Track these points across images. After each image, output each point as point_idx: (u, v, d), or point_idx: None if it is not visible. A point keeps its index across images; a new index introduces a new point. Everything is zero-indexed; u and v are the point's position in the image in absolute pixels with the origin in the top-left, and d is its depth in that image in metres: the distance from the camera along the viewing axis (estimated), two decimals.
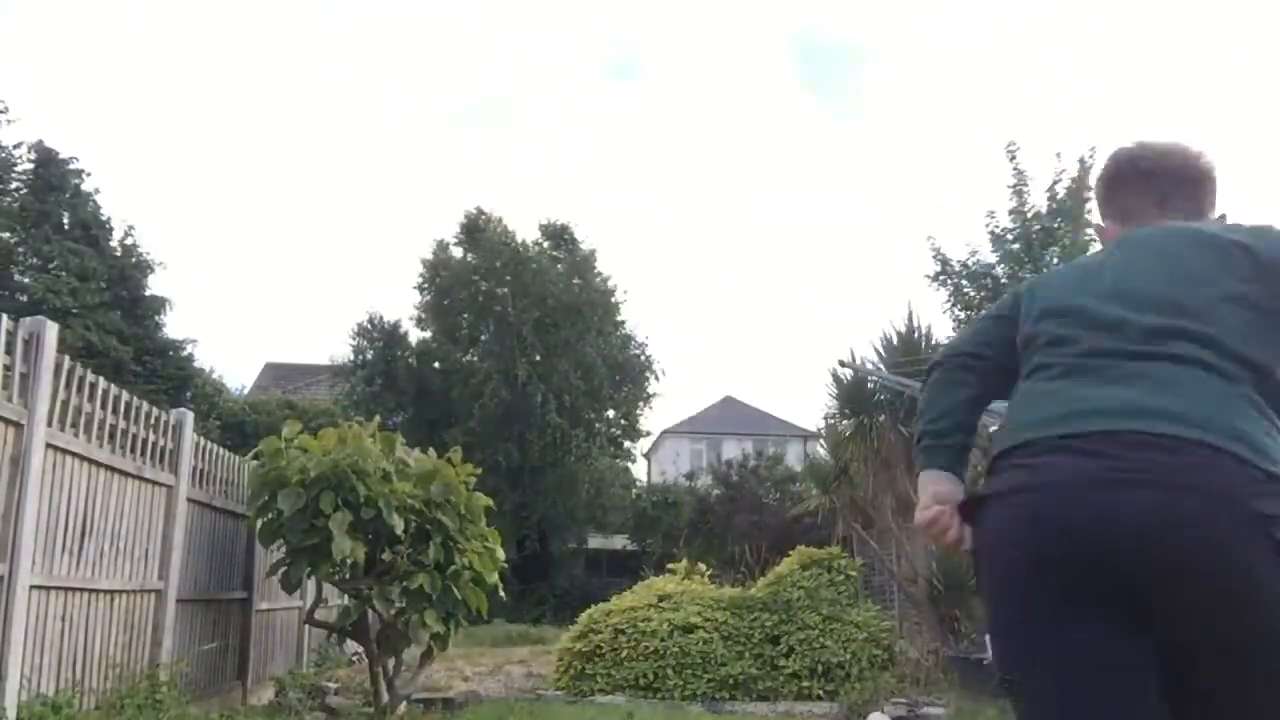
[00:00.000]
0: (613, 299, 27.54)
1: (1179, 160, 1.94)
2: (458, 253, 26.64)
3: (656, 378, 28.83)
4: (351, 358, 26.53)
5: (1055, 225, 17.77)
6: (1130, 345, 1.57)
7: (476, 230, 26.22)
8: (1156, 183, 1.92)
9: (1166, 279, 1.65)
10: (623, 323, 28.19)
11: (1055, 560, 1.44)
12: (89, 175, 24.00)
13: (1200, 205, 1.90)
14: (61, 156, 23.57)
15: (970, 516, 1.64)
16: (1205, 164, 1.94)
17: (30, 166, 23.43)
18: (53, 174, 23.30)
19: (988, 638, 1.73)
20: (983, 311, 2.00)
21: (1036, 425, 1.56)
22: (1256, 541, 1.34)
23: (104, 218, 24.18)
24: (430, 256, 26.45)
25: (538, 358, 24.76)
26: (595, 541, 27.40)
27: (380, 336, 26.54)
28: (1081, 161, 17.93)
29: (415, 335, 27.14)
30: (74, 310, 21.39)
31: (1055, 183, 17.98)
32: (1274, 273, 1.61)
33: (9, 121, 23.28)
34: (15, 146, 23.35)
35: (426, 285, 26.38)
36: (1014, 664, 1.53)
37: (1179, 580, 1.38)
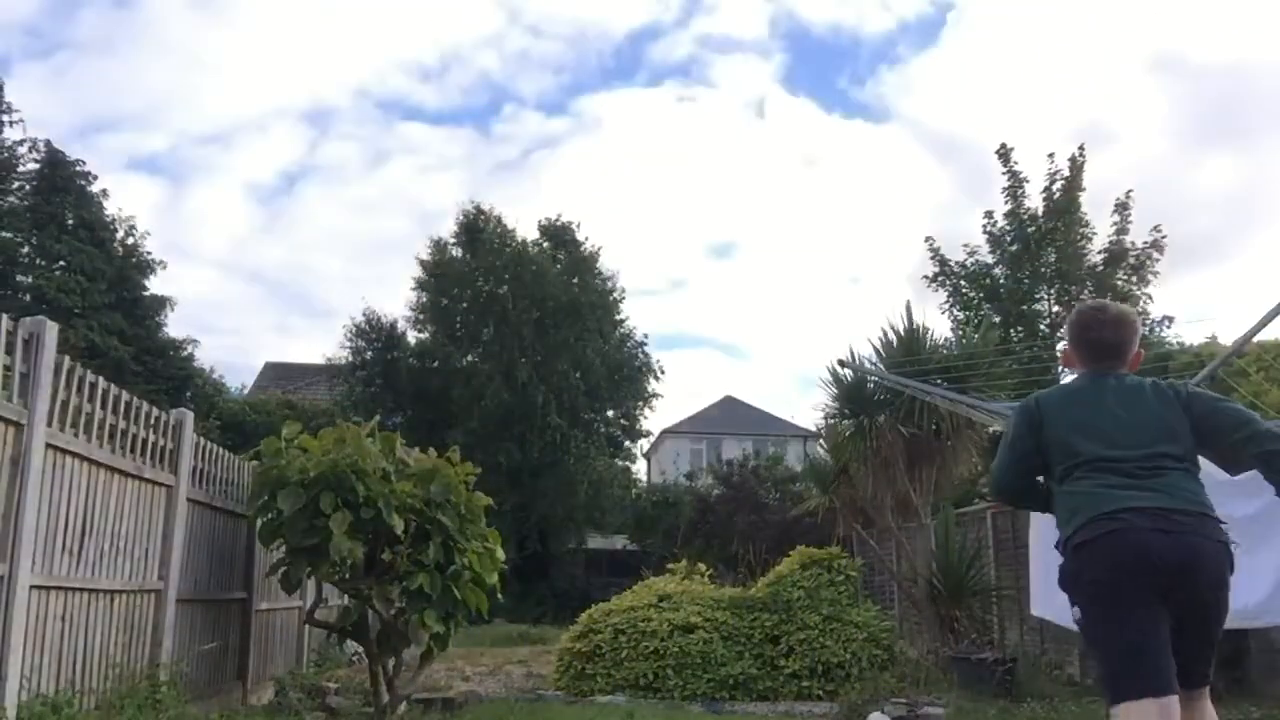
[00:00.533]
0: (612, 298, 27.53)
1: (1129, 320, 3.15)
2: (456, 253, 26.50)
3: (656, 377, 28.81)
4: (349, 358, 26.46)
5: (1052, 225, 17.78)
6: (1140, 466, 2.82)
7: (475, 230, 26.10)
8: (1114, 332, 3.09)
9: (1146, 421, 2.90)
10: (623, 322, 28.18)
11: (1138, 569, 2.69)
12: (95, 178, 24.12)
13: (1134, 348, 3.12)
14: (69, 158, 23.66)
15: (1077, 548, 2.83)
16: (1137, 322, 3.21)
17: (35, 167, 23.49)
18: (60, 175, 23.35)
19: (1076, 607, 2.87)
20: (1014, 436, 3.11)
21: (1110, 504, 2.77)
22: (1225, 558, 2.76)
23: (108, 218, 24.24)
24: (428, 257, 26.34)
25: (539, 358, 24.70)
26: (595, 542, 27.36)
27: (378, 337, 26.47)
28: (1072, 160, 17.95)
29: (413, 336, 27.07)
30: (77, 310, 21.42)
31: (1050, 183, 18.00)
32: (1189, 407, 2.93)
33: (12, 123, 23.35)
34: (19, 143, 23.42)
35: (426, 285, 26.27)
36: (1108, 621, 2.75)
37: (1198, 576, 2.71)
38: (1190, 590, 2.71)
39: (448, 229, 27.04)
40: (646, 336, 28.93)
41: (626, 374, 27.57)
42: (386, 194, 58.61)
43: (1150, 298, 17.79)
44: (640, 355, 28.48)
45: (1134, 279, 17.75)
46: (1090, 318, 3.15)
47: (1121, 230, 17.80)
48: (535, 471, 24.19)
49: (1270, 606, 5.80)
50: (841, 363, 10.39)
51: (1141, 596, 2.70)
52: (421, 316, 26.57)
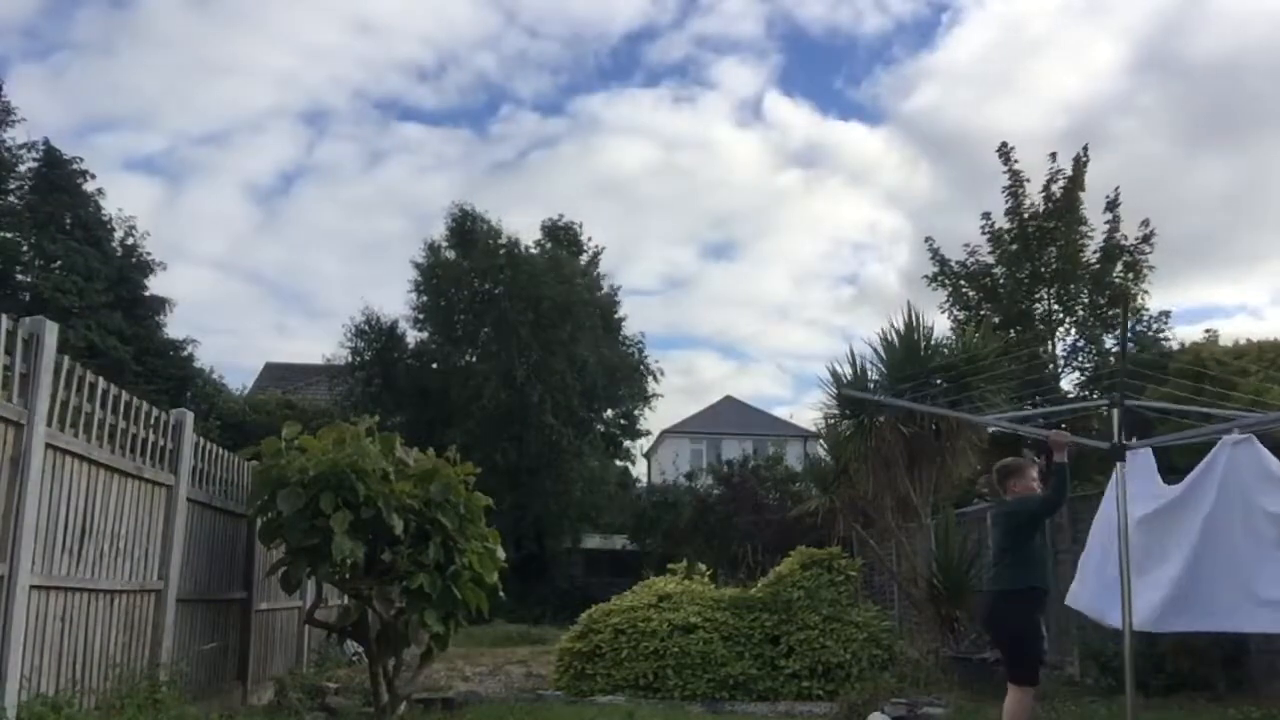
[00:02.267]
0: (609, 298, 27.55)
1: (1000, 469, 5.94)
2: (450, 255, 26.39)
3: (655, 379, 28.82)
4: (349, 358, 26.42)
5: (1052, 225, 17.78)
6: (996, 556, 6.08)
7: (464, 232, 25.99)
8: (1008, 476, 5.88)
9: (1000, 531, 6.09)
10: (621, 320, 28.23)
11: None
12: (93, 177, 24.07)
13: (1022, 478, 5.82)
14: (66, 157, 23.60)
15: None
16: (1020, 463, 5.91)
17: (33, 166, 23.43)
18: (57, 175, 23.29)
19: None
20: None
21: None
22: (1005, 613, 5.69)
23: (105, 218, 24.19)
24: (422, 260, 26.27)
25: (536, 358, 24.66)
26: (595, 542, 27.37)
27: (377, 337, 26.42)
28: (1076, 160, 17.95)
29: (413, 336, 27.01)
30: (76, 310, 21.37)
31: (1049, 181, 18.00)
32: (1006, 519, 5.95)
33: (13, 122, 23.30)
34: (20, 147, 23.36)
35: (422, 287, 26.23)
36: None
37: (991, 624, 6.11)
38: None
39: (440, 231, 26.96)
40: (643, 334, 29.00)
41: (623, 374, 27.55)
42: (384, 194, 58.67)
43: (1147, 292, 17.83)
44: (637, 354, 28.52)
45: (1130, 275, 17.78)
46: (1004, 462, 5.96)
47: (1115, 228, 17.84)
48: (532, 471, 24.18)
49: None
50: (845, 383, 10.36)
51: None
52: (421, 317, 26.56)
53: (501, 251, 25.49)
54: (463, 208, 26.28)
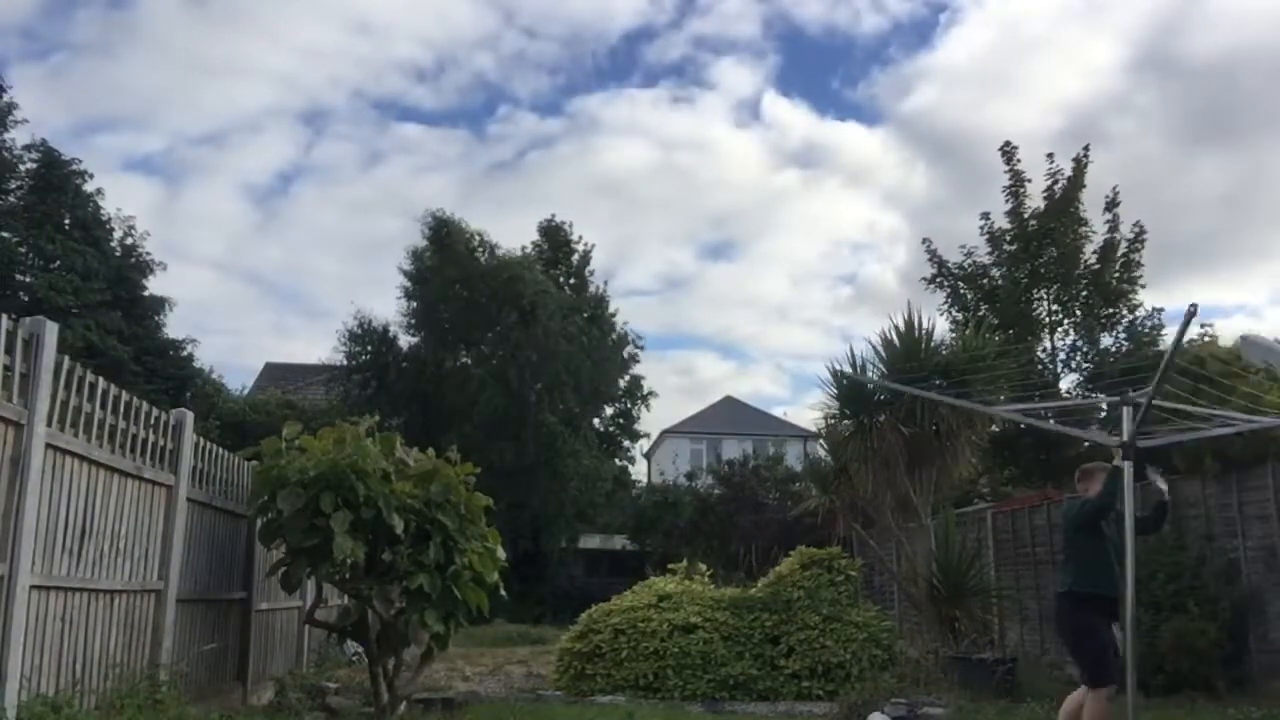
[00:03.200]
0: (595, 293, 27.66)
1: (1082, 471, 6.24)
2: (433, 261, 26.21)
3: (636, 345, 28.92)
4: (344, 361, 26.33)
5: (1052, 225, 17.74)
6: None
7: (442, 240, 25.85)
8: (1081, 480, 6.17)
9: (1063, 534, 6.46)
10: (613, 317, 28.36)
11: None
12: (91, 177, 24.03)
13: (1089, 482, 6.06)
14: (64, 158, 23.57)
15: None
16: (1092, 468, 6.16)
17: (32, 167, 23.38)
18: (55, 175, 23.25)
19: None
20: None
21: None
22: (1056, 614, 6.29)
23: (104, 217, 24.16)
24: (409, 267, 26.14)
25: (534, 358, 24.61)
26: (595, 541, 27.35)
27: (371, 341, 26.33)
28: (1077, 160, 17.92)
29: (405, 340, 26.83)
30: (74, 310, 21.34)
31: (1053, 183, 17.96)
32: (1065, 522, 6.26)
33: (16, 122, 23.27)
34: (25, 148, 23.31)
35: (411, 292, 26.13)
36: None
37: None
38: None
39: (420, 240, 26.80)
40: (628, 324, 29.21)
41: (607, 357, 27.53)
42: (382, 194, 58.71)
43: (1143, 285, 17.81)
44: (627, 343, 28.68)
45: (1125, 277, 17.76)
46: (1086, 465, 6.23)
47: (1114, 228, 17.82)
48: (530, 470, 24.14)
49: None
50: (840, 374, 10.34)
51: None
52: (413, 321, 26.48)
53: (480, 256, 25.42)
54: (436, 215, 25.87)
